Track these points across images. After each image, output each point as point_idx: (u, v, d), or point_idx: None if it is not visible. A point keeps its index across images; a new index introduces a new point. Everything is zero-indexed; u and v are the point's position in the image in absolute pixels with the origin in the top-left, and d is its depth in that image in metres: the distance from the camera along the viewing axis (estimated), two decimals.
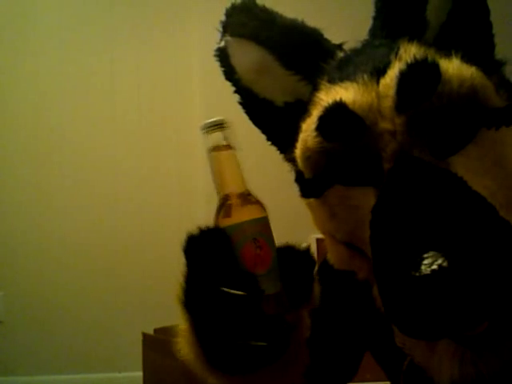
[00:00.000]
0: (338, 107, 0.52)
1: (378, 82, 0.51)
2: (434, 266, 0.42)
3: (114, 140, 2.36)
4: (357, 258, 0.58)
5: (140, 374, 1.61)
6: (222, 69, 0.69)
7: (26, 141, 2.34)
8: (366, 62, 0.54)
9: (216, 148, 0.62)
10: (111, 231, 2.32)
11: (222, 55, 0.69)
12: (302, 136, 0.57)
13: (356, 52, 0.59)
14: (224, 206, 0.60)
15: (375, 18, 0.60)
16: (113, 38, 2.39)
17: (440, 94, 0.49)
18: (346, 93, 0.52)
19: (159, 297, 2.31)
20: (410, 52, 0.52)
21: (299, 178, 0.62)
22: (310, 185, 0.58)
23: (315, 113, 0.55)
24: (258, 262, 0.55)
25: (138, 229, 2.33)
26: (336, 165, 0.54)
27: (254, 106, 0.66)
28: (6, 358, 2.25)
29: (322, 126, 0.53)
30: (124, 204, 2.34)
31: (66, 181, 2.33)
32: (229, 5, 0.68)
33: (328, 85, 0.56)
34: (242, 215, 0.58)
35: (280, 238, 2.25)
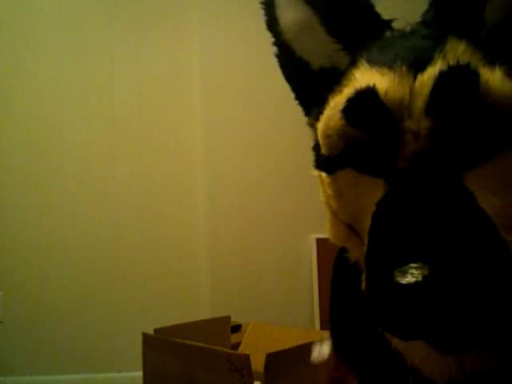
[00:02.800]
0: (369, 94, 0.51)
1: (415, 77, 0.50)
2: (416, 278, 0.43)
3: (114, 140, 2.36)
4: (353, 239, 0.59)
5: (140, 373, 1.60)
6: (266, 18, 0.67)
7: (25, 141, 2.34)
8: (408, 51, 0.52)
9: None
10: (111, 231, 2.32)
11: (268, 4, 0.66)
12: (327, 112, 0.56)
13: (402, 36, 0.57)
14: None
15: (431, 5, 0.57)
16: (113, 37, 2.39)
17: (474, 105, 0.48)
18: (380, 80, 0.51)
19: (159, 297, 2.32)
20: (455, 51, 0.51)
21: (316, 148, 0.61)
22: (324, 160, 0.58)
23: (346, 91, 0.54)
24: None
25: (137, 229, 2.33)
26: (353, 150, 0.54)
27: (289, 62, 0.64)
28: (6, 358, 2.26)
29: (349, 110, 0.53)
30: (124, 204, 2.34)
31: (65, 181, 2.33)
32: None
33: (366, 64, 0.54)
34: None
35: (280, 238, 2.27)
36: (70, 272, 2.29)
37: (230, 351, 1.32)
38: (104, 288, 2.30)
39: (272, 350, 1.19)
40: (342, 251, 0.73)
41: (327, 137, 0.56)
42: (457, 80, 0.49)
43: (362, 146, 0.53)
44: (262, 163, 2.36)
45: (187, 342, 1.37)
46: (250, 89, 2.37)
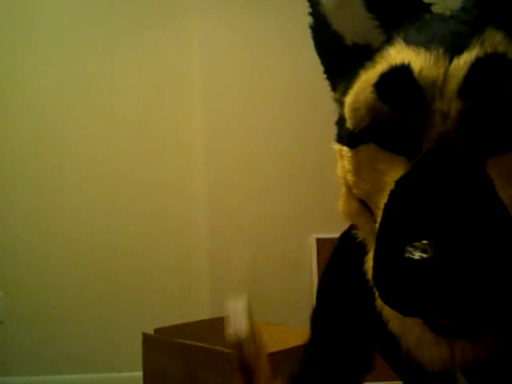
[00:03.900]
0: (404, 71, 0.51)
1: (450, 60, 0.50)
2: (423, 255, 0.44)
3: (114, 140, 2.36)
4: (364, 216, 0.59)
5: (140, 373, 1.61)
6: None
7: (26, 141, 2.34)
8: (446, 34, 0.53)
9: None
10: (111, 231, 2.32)
11: None
12: (358, 84, 0.57)
13: (441, 19, 0.57)
14: None
15: None
16: (113, 38, 2.39)
17: (506, 94, 0.49)
18: (416, 58, 0.51)
19: (159, 297, 2.31)
20: (493, 40, 0.51)
21: (340, 123, 0.61)
22: (348, 134, 0.58)
23: (379, 67, 0.54)
24: None
25: (138, 229, 2.33)
26: (379, 125, 0.54)
27: (323, 35, 0.63)
28: (6, 358, 2.25)
29: (381, 84, 0.53)
30: (124, 204, 2.34)
31: (66, 181, 2.33)
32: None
33: (402, 43, 0.55)
34: None
35: (280, 238, 2.27)
36: (70, 272, 2.29)
37: (230, 351, 1.32)
38: (104, 288, 2.29)
39: (272, 349, 1.19)
40: (344, 236, 0.74)
41: (355, 110, 0.56)
42: (493, 67, 0.49)
43: (388, 123, 0.53)
44: (262, 163, 2.36)
45: (187, 341, 1.37)
46: (250, 89, 2.37)
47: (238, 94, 2.36)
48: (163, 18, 2.40)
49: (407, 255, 0.45)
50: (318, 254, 2.26)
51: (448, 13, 0.58)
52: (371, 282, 0.55)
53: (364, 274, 0.60)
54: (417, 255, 0.44)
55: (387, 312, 0.57)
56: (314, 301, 0.80)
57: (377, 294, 0.54)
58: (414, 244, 0.45)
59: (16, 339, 2.26)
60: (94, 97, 2.37)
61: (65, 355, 2.26)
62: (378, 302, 0.58)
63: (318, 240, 2.26)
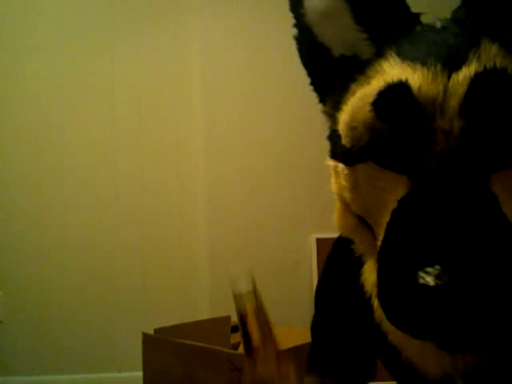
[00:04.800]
0: (402, 89, 0.50)
1: (449, 76, 0.49)
2: (438, 281, 0.43)
3: (114, 140, 2.36)
4: (363, 231, 0.58)
5: (140, 373, 1.60)
6: None
7: (26, 141, 2.34)
8: (441, 48, 0.52)
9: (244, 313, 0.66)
10: (111, 231, 2.32)
11: None
12: (354, 102, 0.55)
13: (433, 32, 0.55)
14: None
15: (462, 3, 0.56)
16: (113, 38, 2.39)
17: (507, 109, 0.48)
18: (412, 75, 0.50)
19: (159, 297, 2.31)
20: (490, 53, 0.50)
21: (333, 137, 0.60)
22: (344, 152, 0.56)
23: (375, 84, 0.53)
24: None
25: (138, 229, 2.33)
26: (378, 144, 0.53)
27: (309, 46, 0.62)
28: (6, 358, 2.26)
29: (380, 103, 0.52)
30: (124, 204, 2.34)
31: (66, 181, 2.33)
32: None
33: (396, 57, 0.53)
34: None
35: (280, 238, 2.27)
36: (70, 272, 2.29)
37: (230, 351, 1.32)
38: (104, 288, 2.30)
39: None
40: (338, 243, 0.73)
41: (352, 129, 0.54)
42: (493, 83, 0.49)
43: (388, 141, 0.52)
44: (262, 163, 2.36)
45: (187, 341, 1.37)
46: (250, 89, 2.37)
47: (237, 94, 2.36)
48: (163, 18, 2.40)
49: (421, 281, 0.44)
50: (318, 254, 2.26)
51: (438, 23, 0.57)
52: (368, 295, 0.55)
53: (361, 285, 0.59)
54: (431, 281, 0.44)
55: (387, 324, 0.56)
56: (313, 308, 0.79)
57: (376, 306, 0.54)
58: (427, 270, 0.44)
59: (16, 339, 2.27)
60: (94, 97, 2.37)
61: (65, 355, 2.26)
62: (377, 314, 0.57)
63: (318, 240, 2.26)
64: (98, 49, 2.39)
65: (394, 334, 0.56)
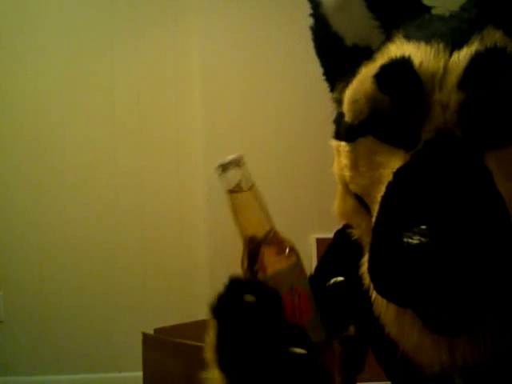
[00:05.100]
0: (404, 63, 0.52)
1: (450, 54, 0.51)
2: (422, 239, 0.44)
3: (114, 140, 2.36)
4: (360, 214, 0.59)
5: (140, 373, 1.60)
6: None
7: (26, 141, 2.34)
8: (446, 31, 0.54)
9: (235, 189, 0.60)
10: (111, 231, 2.32)
11: None
12: (358, 78, 0.57)
13: (441, 19, 0.58)
14: (253, 254, 0.57)
15: None
16: (113, 38, 2.39)
17: (505, 87, 0.49)
18: (416, 51, 0.52)
19: (159, 297, 2.31)
20: (492, 37, 0.51)
21: (338, 120, 0.62)
22: (346, 128, 0.58)
23: (379, 60, 0.55)
24: (298, 312, 0.52)
25: (138, 229, 2.33)
26: (378, 117, 0.54)
27: (324, 36, 0.64)
28: (6, 358, 2.26)
29: (381, 75, 0.54)
30: (124, 204, 2.34)
31: (66, 181, 2.33)
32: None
33: (402, 39, 0.56)
34: (276, 263, 0.55)
35: None
36: (70, 271, 2.29)
37: None
38: (104, 288, 2.30)
39: None
40: (340, 233, 0.73)
41: (354, 102, 0.56)
42: (492, 60, 0.50)
43: (387, 114, 0.54)
44: (261, 163, 2.36)
45: (187, 341, 1.37)
46: (250, 89, 2.37)
47: (237, 94, 2.36)
48: (163, 18, 2.41)
49: (405, 240, 0.45)
50: (318, 254, 2.26)
51: (447, 13, 0.58)
52: (367, 286, 0.55)
53: (359, 277, 0.59)
54: (415, 240, 0.44)
55: (385, 316, 0.56)
56: None
57: (373, 297, 0.54)
58: (413, 229, 0.45)
59: (16, 339, 2.27)
60: (93, 97, 2.37)
61: (65, 355, 2.26)
62: (376, 306, 0.57)
63: (318, 240, 2.26)
64: (97, 49, 2.39)
65: (392, 327, 0.56)
